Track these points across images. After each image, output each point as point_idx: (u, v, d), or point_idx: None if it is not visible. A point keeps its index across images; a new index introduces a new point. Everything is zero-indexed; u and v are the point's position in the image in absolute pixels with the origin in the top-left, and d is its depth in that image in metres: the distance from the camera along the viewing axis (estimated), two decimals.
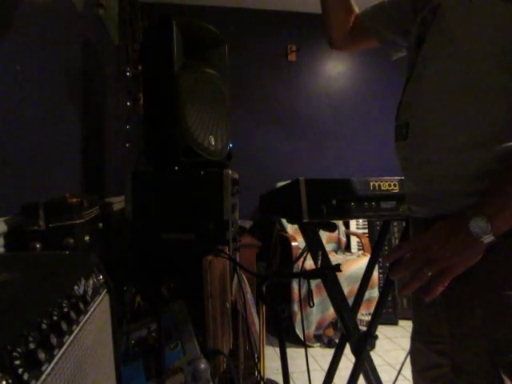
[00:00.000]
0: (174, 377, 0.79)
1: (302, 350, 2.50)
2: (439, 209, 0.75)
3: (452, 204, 0.72)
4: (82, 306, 0.48)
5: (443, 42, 0.75)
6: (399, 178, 1.13)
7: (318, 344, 2.77)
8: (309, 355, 2.46)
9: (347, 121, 3.66)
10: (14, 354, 0.32)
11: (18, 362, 0.32)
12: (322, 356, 2.57)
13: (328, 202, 1.03)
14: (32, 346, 0.35)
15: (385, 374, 1.30)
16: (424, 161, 0.78)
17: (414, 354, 0.96)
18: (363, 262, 2.77)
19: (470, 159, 0.70)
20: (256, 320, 1.59)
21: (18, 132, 0.97)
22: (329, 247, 3.22)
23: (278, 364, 1.20)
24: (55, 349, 0.39)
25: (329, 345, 2.72)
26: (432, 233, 0.65)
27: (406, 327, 3.03)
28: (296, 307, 2.73)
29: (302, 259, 1.30)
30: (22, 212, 0.85)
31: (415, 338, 0.96)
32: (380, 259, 3.17)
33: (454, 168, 0.72)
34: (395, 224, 3.21)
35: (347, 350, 1.30)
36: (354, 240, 3.32)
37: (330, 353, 1.38)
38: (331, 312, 2.70)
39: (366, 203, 1.09)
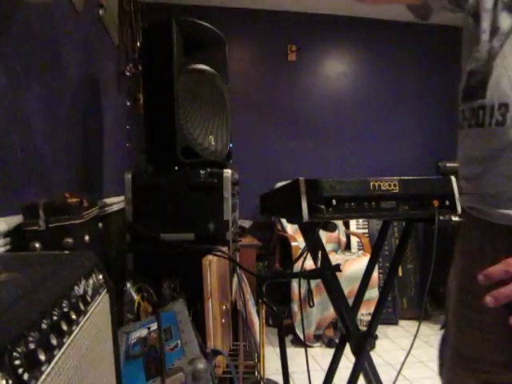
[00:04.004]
0: (174, 377, 0.79)
1: (302, 350, 2.49)
2: None
3: None
4: (82, 306, 0.48)
5: None
6: (399, 178, 1.12)
7: (318, 344, 2.77)
8: (309, 355, 2.45)
9: (347, 121, 3.66)
10: (14, 354, 0.32)
11: (17, 362, 0.32)
12: (322, 356, 2.57)
13: (328, 202, 1.03)
14: (32, 346, 0.35)
15: (385, 374, 1.30)
16: None
17: None
18: (363, 261, 2.77)
19: None
20: (256, 320, 1.59)
21: (17, 132, 0.97)
22: (329, 247, 3.22)
23: (278, 364, 1.20)
24: (55, 349, 0.39)
25: (329, 345, 2.73)
26: None
27: (405, 327, 3.02)
28: (296, 307, 2.73)
29: (302, 259, 1.30)
30: (22, 212, 0.85)
31: (458, 365, 0.80)
32: (380, 259, 3.17)
33: None
34: (395, 224, 3.21)
35: (347, 350, 1.30)
36: (354, 240, 3.32)
37: (330, 353, 1.38)
38: (331, 312, 2.69)
39: (365, 203, 1.08)
